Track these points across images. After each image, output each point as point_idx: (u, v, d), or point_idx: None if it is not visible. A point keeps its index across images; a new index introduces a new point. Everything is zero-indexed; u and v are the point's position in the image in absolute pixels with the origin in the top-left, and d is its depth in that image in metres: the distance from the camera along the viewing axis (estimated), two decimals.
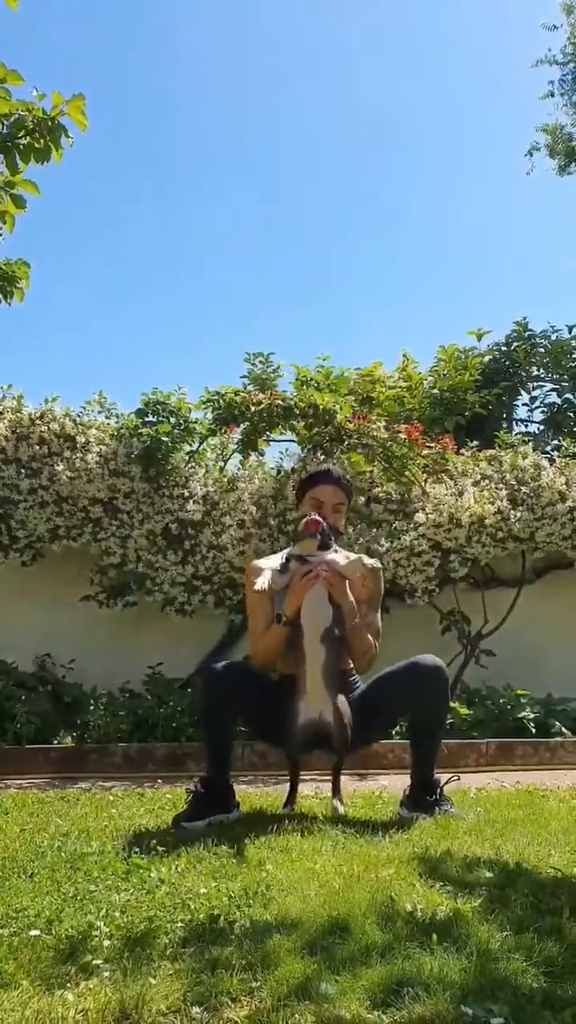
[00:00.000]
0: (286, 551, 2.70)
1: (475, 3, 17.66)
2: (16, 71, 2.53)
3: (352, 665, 2.64)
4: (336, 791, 2.72)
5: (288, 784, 2.74)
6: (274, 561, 2.61)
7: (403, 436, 4.77)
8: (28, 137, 2.61)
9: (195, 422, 4.88)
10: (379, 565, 2.72)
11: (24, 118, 2.59)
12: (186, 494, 4.74)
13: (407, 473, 4.87)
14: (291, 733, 2.48)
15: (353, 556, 2.55)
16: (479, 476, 5.17)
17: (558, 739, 4.41)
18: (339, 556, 2.55)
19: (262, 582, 2.46)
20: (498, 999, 1.24)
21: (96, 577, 4.75)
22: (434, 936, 1.44)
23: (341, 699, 2.46)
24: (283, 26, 17.44)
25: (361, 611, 2.56)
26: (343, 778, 2.80)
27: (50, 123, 2.60)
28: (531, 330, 7.25)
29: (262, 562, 2.63)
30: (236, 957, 1.38)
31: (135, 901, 1.65)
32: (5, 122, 2.61)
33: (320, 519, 2.54)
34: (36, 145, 2.62)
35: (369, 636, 2.59)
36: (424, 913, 1.56)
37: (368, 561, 2.58)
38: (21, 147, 2.62)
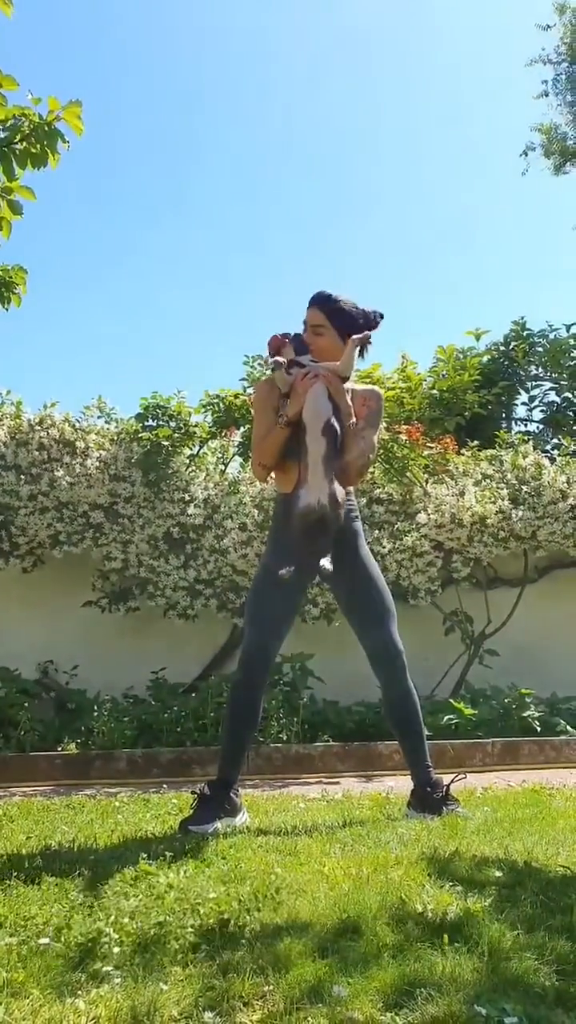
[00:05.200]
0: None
1: (468, 3, 17.72)
2: (11, 76, 2.53)
3: (345, 473, 2.62)
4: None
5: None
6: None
7: (404, 437, 4.77)
8: (24, 143, 2.60)
9: (195, 426, 4.88)
10: (379, 390, 2.82)
11: (20, 123, 2.59)
12: (187, 498, 4.74)
13: (408, 474, 4.87)
14: (292, 520, 2.51)
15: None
16: (480, 476, 5.17)
17: (563, 738, 4.40)
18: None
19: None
20: (511, 998, 1.23)
21: (98, 582, 4.76)
22: (445, 936, 1.43)
23: (337, 486, 2.51)
24: (276, 27, 17.48)
25: (358, 427, 2.62)
26: (350, 779, 2.78)
27: (46, 128, 2.59)
28: (529, 329, 7.25)
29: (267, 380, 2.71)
30: (247, 961, 1.37)
31: (144, 907, 1.64)
32: (1, 127, 2.60)
33: (275, 358, 2.61)
34: (32, 150, 2.61)
35: (363, 445, 2.63)
36: (435, 913, 1.55)
37: (368, 386, 2.78)
38: (17, 152, 2.61)
